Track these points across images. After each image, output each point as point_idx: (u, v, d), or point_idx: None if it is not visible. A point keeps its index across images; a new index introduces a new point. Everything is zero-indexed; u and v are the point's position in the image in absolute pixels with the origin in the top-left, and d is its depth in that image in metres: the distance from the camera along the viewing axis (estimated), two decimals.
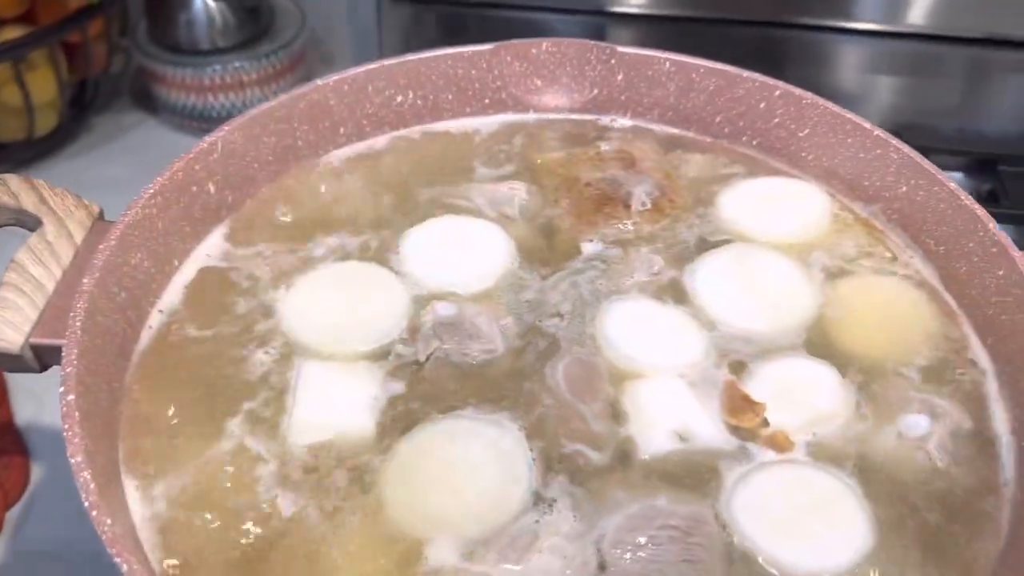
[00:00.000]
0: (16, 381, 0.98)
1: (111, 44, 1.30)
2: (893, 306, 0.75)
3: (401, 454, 0.63)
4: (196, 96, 1.32)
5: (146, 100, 1.39)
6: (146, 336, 0.69)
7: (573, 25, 1.47)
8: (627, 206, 0.83)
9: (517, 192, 0.85)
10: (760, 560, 0.58)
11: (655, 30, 1.48)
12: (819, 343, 0.72)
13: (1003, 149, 1.26)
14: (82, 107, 1.33)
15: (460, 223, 0.82)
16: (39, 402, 0.96)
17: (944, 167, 1.27)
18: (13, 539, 0.85)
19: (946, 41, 1.39)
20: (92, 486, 0.52)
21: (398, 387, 0.67)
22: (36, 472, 0.91)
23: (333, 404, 0.66)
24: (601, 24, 1.48)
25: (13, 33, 1.16)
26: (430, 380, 0.68)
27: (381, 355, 0.69)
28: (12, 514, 0.87)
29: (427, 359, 0.69)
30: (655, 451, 0.64)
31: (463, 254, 0.78)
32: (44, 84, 1.21)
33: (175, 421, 0.64)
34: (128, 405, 0.64)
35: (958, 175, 1.28)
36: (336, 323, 0.71)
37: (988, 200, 1.23)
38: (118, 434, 0.61)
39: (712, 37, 1.45)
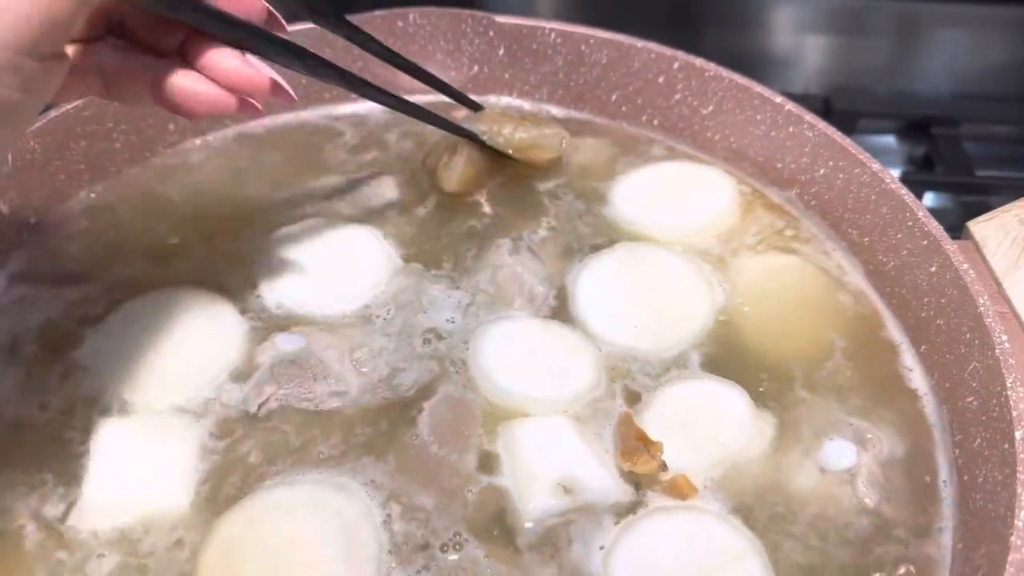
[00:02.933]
0: None
1: None
2: (810, 310, 0.65)
3: (221, 536, 0.51)
4: None
5: None
6: None
7: None
8: None
9: (383, 184, 0.73)
10: None
11: None
12: (724, 359, 0.61)
13: (936, 110, 1.17)
14: None
15: (326, 229, 0.69)
16: None
17: (876, 131, 1.20)
18: None
19: None
20: None
21: (223, 447, 0.55)
22: None
23: (136, 475, 0.53)
24: None
25: None
26: (264, 436, 0.56)
27: (202, 407, 0.57)
28: None
29: (259, 408, 0.57)
30: (535, 511, 0.53)
31: (332, 268, 0.66)
32: None
33: None
34: None
35: (890, 139, 1.19)
36: (149, 368, 0.58)
37: (922, 166, 1.15)
38: None
39: (624, 2, 1.32)
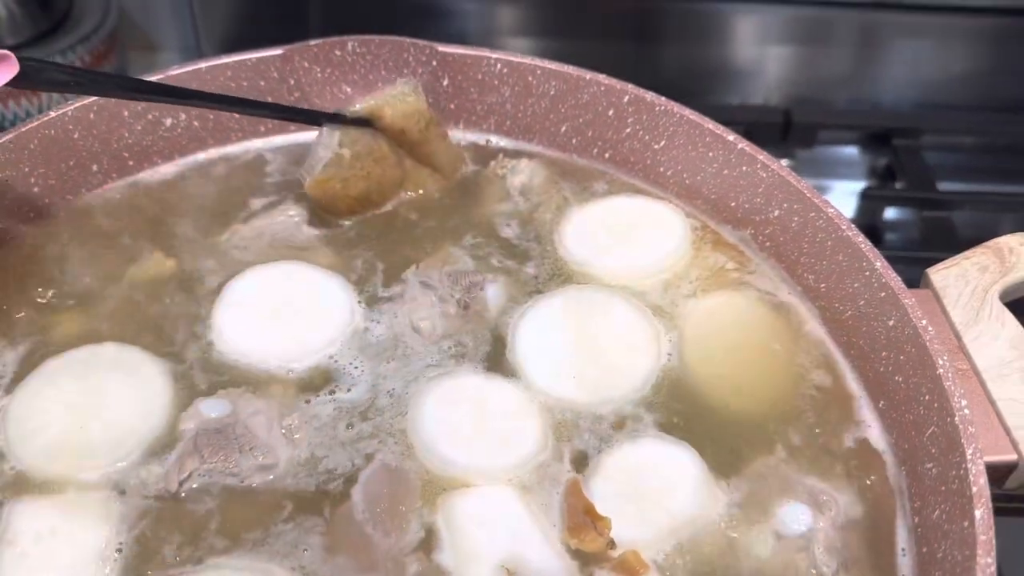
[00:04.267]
0: None
1: None
2: (763, 360, 0.62)
3: None
4: None
5: None
6: None
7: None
8: None
9: (295, 219, 0.70)
10: None
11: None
12: (674, 415, 0.58)
13: (897, 121, 1.16)
14: None
15: (275, 274, 0.65)
16: None
17: (837, 143, 1.19)
18: None
19: (835, 6, 1.26)
20: None
21: (142, 530, 0.52)
22: None
23: (49, 562, 0.50)
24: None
25: None
26: (185, 516, 0.52)
27: (120, 483, 0.53)
28: None
29: (181, 486, 0.53)
30: None
31: (281, 320, 0.62)
32: None
33: None
34: None
35: (852, 150, 1.17)
36: (64, 438, 0.55)
37: (885, 177, 1.13)
38: None
39: (585, 14, 1.28)
